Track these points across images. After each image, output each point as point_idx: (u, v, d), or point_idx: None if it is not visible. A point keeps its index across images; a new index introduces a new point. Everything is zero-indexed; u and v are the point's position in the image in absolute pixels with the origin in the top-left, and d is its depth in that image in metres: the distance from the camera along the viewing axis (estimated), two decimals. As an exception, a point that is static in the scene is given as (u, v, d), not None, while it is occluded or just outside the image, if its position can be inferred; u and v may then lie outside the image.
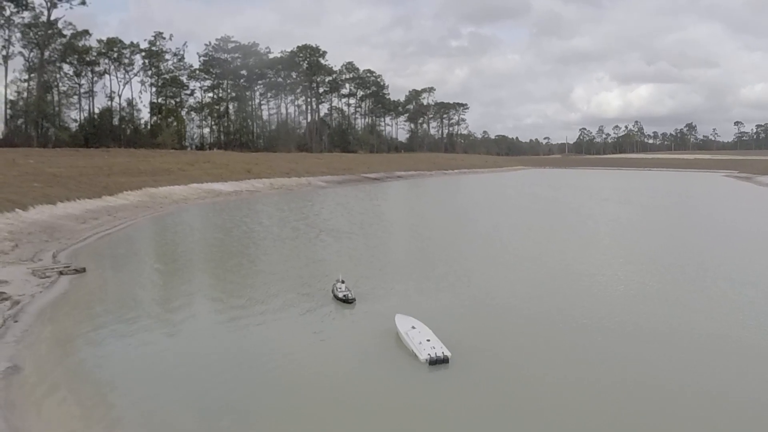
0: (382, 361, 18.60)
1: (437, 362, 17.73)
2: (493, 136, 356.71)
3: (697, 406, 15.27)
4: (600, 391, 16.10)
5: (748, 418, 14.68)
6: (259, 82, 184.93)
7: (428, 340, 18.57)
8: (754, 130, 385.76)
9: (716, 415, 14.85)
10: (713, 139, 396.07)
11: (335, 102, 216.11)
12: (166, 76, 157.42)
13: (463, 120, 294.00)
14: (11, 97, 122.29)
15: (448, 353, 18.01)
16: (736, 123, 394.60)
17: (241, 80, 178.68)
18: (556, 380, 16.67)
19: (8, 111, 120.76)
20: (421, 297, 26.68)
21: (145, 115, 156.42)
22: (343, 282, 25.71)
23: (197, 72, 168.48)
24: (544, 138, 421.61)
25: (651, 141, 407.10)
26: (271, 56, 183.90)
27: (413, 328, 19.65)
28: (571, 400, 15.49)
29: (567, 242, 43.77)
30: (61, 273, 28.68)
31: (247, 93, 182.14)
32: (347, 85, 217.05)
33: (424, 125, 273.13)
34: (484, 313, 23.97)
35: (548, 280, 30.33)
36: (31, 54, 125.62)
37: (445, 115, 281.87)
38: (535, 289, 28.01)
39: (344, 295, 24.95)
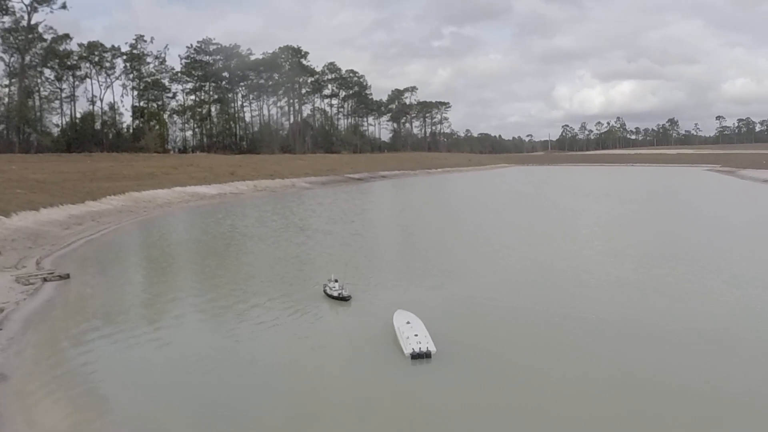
0: (367, 355, 19.05)
1: (420, 357, 18.12)
2: (476, 135, 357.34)
3: (676, 396, 15.43)
4: (583, 382, 16.35)
5: (723, 406, 14.93)
6: (242, 83, 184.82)
7: (416, 335, 18.94)
8: (736, 125, 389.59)
9: (691, 403, 15.06)
10: (695, 134, 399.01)
11: (318, 103, 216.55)
12: (148, 80, 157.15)
13: (446, 119, 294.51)
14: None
15: (432, 348, 18.34)
16: (718, 118, 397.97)
17: (223, 82, 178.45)
18: (539, 377, 16.86)
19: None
20: (412, 294, 26.80)
21: (127, 118, 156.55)
22: (336, 281, 25.87)
23: (179, 75, 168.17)
24: (527, 136, 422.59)
25: (633, 137, 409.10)
26: (252, 58, 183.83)
27: (408, 323, 20.00)
28: (551, 395, 15.67)
29: (551, 238, 44.13)
30: (45, 280, 28.62)
31: (230, 95, 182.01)
32: (330, 86, 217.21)
33: (407, 125, 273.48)
34: (474, 309, 24.24)
35: (536, 276, 30.77)
36: (12, 59, 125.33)
37: (427, 114, 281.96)
38: (525, 287, 28.38)
39: (339, 294, 25.23)
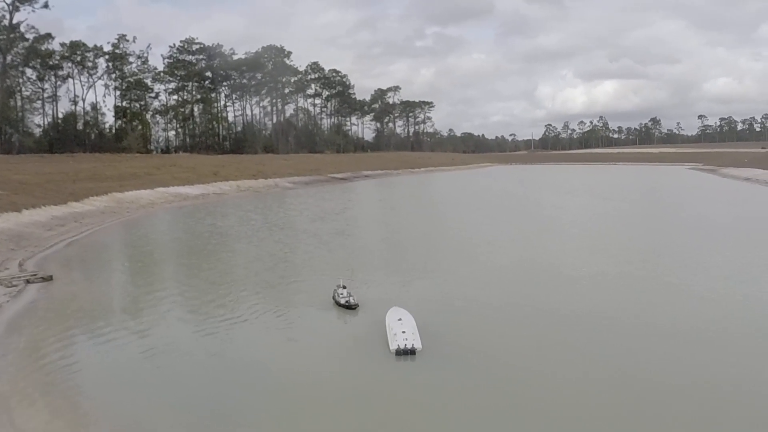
0: (354, 351, 19.41)
1: (404, 353, 18.33)
2: (459, 134, 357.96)
3: (666, 393, 15.55)
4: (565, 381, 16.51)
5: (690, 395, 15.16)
6: (224, 83, 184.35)
7: (403, 332, 19.13)
8: (718, 124, 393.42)
9: (680, 401, 15.20)
10: (678, 132, 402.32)
11: (301, 102, 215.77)
12: (131, 79, 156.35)
13: (429, 118, 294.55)
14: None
15: (418, 345, 18.56)
16: (700, 117, 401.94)
17: (206, 82, 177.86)
18: (524, 376, 17.00)
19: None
20: (411, 292, 27.04)
21: (109, 119, 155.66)
22: (344, 287, 24.64)
23: (162, 74, 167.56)
24: (511, 135, 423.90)
25: (616, 136, 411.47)
26: (235, 57, 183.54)
27: (399, 320, 20.18)
28: (532, 394, 15.81)
29: (540, 235, 44.79)
30: (28, 281, 28.62)
31: (213, 95, 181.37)
32: (313, 86, 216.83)
33: (390, 124, 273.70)
34: (467, 307, 24.46)
35: (529, 273, 31.16)
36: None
37: (411, 114, 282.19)
38: (517, 284, 28.77)
39: (346, 301, 23.91)
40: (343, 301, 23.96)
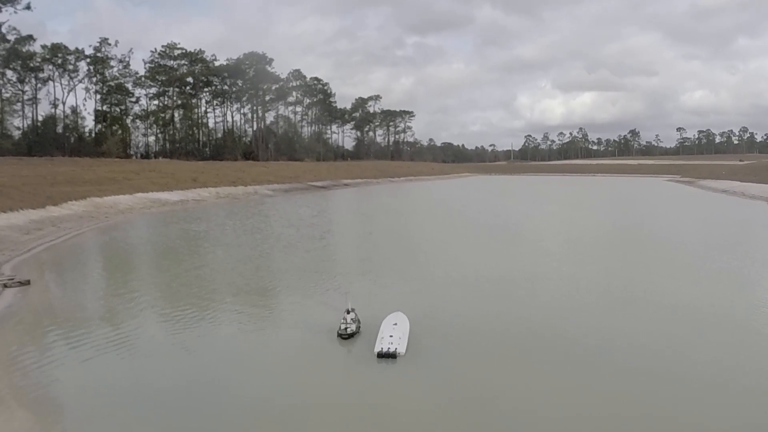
0: (338, 353, 19.85)
1: (385, 356, 18.63)
2: (439, 144, 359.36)
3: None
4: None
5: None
6: (205, 89, 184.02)
7: (391, 336, 19.44)
8: (696, 136, 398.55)
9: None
10: (656, 144, 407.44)
11: (282, 110, 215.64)
12: (111, 83, 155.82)
13: (410, 128, 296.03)
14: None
15: (401, 350, 18.82)
16: (678, 129, 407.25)
17: (187, 88, 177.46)
18: (503, 388, 16.81)
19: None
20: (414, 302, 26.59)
21: (89, 123, 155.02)
22: (350, 311, 21.09)
23: (143, 79, 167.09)
24: (490, 145, 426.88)
25: (595, 147, 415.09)
26: (217, 64, 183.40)
27: (395, 324, 20.42)
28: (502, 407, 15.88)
29: (534, 245, 44.47)
30: (5, 286, 28.56)
31: (193, 101, 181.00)
32: (294, 93, 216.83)
33: (371, 133, 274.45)
34: (468, 316, 24.15)
35: (532, 284, 30.38)
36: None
37: (391, 123, 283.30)
38: (519, 295, 28.01)
39: (345, 328, 20.61)
40: (342, 328, 20.60)
